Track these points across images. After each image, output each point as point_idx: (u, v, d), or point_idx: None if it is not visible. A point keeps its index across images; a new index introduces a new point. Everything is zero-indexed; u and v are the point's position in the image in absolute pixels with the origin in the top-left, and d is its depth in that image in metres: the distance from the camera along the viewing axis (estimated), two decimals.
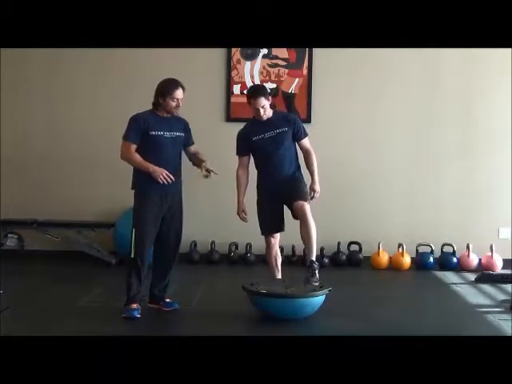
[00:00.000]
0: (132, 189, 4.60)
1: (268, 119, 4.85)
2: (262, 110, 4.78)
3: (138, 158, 4.51)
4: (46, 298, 4.99)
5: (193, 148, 4.76)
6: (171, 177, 4.45)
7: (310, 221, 4.66)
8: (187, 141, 4.71)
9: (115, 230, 6.34)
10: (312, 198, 4.88)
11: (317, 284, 4.56)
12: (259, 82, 6.56)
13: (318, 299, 4.45)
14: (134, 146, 4.53)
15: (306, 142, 4.95)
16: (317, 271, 4.65)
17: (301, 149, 4.96)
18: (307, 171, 4.97)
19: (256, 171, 4.99)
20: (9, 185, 6.59)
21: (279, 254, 4.98)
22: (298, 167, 4.95)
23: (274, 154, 4.81)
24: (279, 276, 4.91)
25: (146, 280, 4.59)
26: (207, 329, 4.27)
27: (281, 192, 4.80)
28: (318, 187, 4.90)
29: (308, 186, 4.89)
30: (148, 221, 4.50)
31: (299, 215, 4.68)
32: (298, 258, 6.48)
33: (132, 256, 4.53)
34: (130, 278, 4.53)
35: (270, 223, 4.87)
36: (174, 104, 4.52)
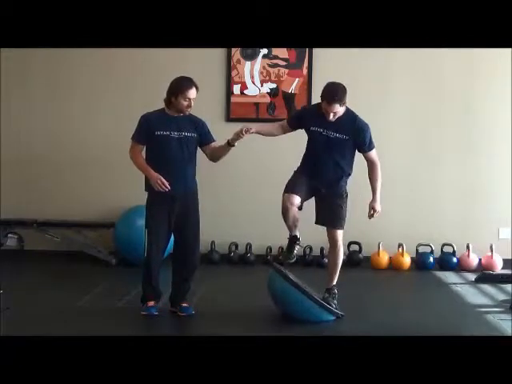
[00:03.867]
0: (145, 190, 4.57)
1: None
2: (332, 115, 4.43)
3: (140, 160, 4.50)
4: (46, 297, 4.99)
5: (212, 145, 4.61)
6: (166, 184, 4.37)
7: (340, 249, 4.64)
8: (203, 140, 4.58)
9: (115, 230, 6.34)
10: (370, 216, 4.65)
11: (334, 307, 4.54)
12: (259, 82, 6.57)
13: (330, 316, 4.47)
14: (139, 147, 4.52)
15: (371, 154, 4.60)
16: (336, 296, 4.63)
17: (365, 160, 4.62)
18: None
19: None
20: (9, 185, 6.58)
21: (298, 218, 4.51)
22: (346, 174, 4.61)
23: (324, 155, 4.52)
24: (296, 232, 4.58)
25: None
26: (207, 329, 4.27)
27: (318, 189, 4.55)
28: (378, 206, 4.58)
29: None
30: (158, 222, 4.48)
31: (330, 241, 4.65)
32: (299, 258, 6.46)
33: (144, 256, 4.55)
34: (143, 278, 4.57)
35: (297, 188, 4.48)
36: (185, 103, 4.44)
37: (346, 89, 4.45)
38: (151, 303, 4.56)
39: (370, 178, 4.61)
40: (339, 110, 4.43)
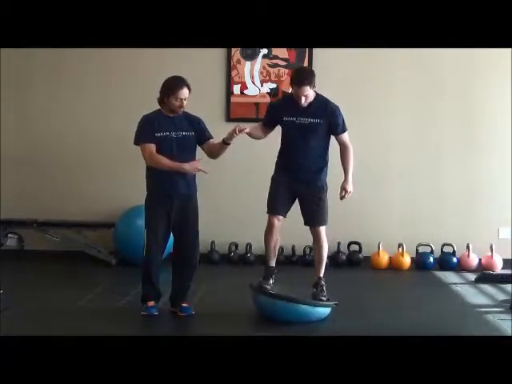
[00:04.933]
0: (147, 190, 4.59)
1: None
2: (303, 99, 4.44)
3: (164, 159, 4.42)
4: (46, 297, 4.99)
5: (210, 143, 4.60)
6: (201, 168, 4.43)
7: (324, 242, 4.63)
8: (201, 137, 4.57)
9: (115, 229, 6.34)
10: (342, 198, 4.62)
11: (325, 299, 4.52)
12: (259, 82, 6.57)
13: (324, 309, 4.47)
14: (153, 146, 4.44)
15: (344, 136, 4.60)
16: (324, 287, 4.60)
17: (338, 143, 4.62)
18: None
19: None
20: (9, 185, 6.58)
21: (279, 239, 4.67)
22: (326, 163, 4.61)
23: (300, 143, 4.51)
24: (274, 263, 4.67)
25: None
26: (207, 329, 4.27)
27: (299, 190, 4.56)
28: (350, 187, 4.57)
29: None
30: (157, 221, 4.48)
31: (314, 236, 4.65)
32: (298, 258, 6.48)
33: (144, 255, 4.55)
34: (142, 277, 4.57)
35: (279, 205, 4.58)
36: (177, 104, 4.43)
37: (314, 72, 4.58)
38: (151, 303, 4.55)
39: (342, 161, 4.63)
40: (309, 92, 4.45)
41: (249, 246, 6.50)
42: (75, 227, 6.49)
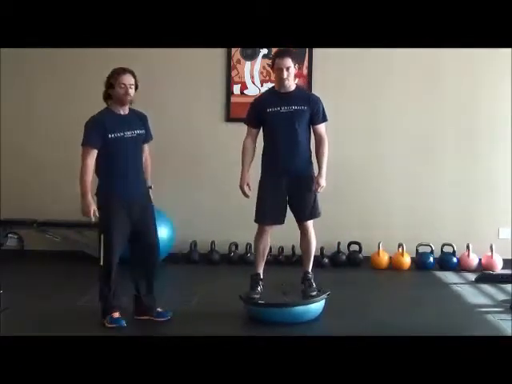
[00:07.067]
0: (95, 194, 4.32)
1: (288, 92, 4.50)
2: (285, 73, 4.41)
3: (88, 177, 4.21)
4: (46, 297, 4.99)
5: (146, 151, 4.41)
6: (92, 217, 4.21)
7: (312, 236, 4.63)
8: (147, 137, 4.36)
9: None
10: (315, 191, 4.58)
11: (315, 293, 4.49)
12: (259, 82, 6.57)
13: (318, 305, 4.46)
14: (94, 152, 4.20)
15: (322, 127, 4.57)
16: (312, 281, 4.58)
17: (314, 134, 4.58)
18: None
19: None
20: (9, 185, 6.58)
21: (269, 243, 4.68)
22: (311, 154, 4.60)
23: (287, 132, 4.46)
24: (261, 269, 4.66)
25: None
26: (207, 329, 4.27)
27: (288, 185, 4.53)
28: (323, 181, 4.51)
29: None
30: (117, 226, 4.22)
31: (303, 231, 4.64)
32: (298, 258, 6.47)
33: (100, 264, 4.27)
34: (103, 288, 4.27)
35: (270, 213, 4.57)
36: (122, 91, 4.19)
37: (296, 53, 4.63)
38: (117, 314, 4.27)
39: (317, 153, 4.61)
40: (292, 67, 4.46)
41: (249, 246, 6.49)
42: (75, 227, 6.48)
